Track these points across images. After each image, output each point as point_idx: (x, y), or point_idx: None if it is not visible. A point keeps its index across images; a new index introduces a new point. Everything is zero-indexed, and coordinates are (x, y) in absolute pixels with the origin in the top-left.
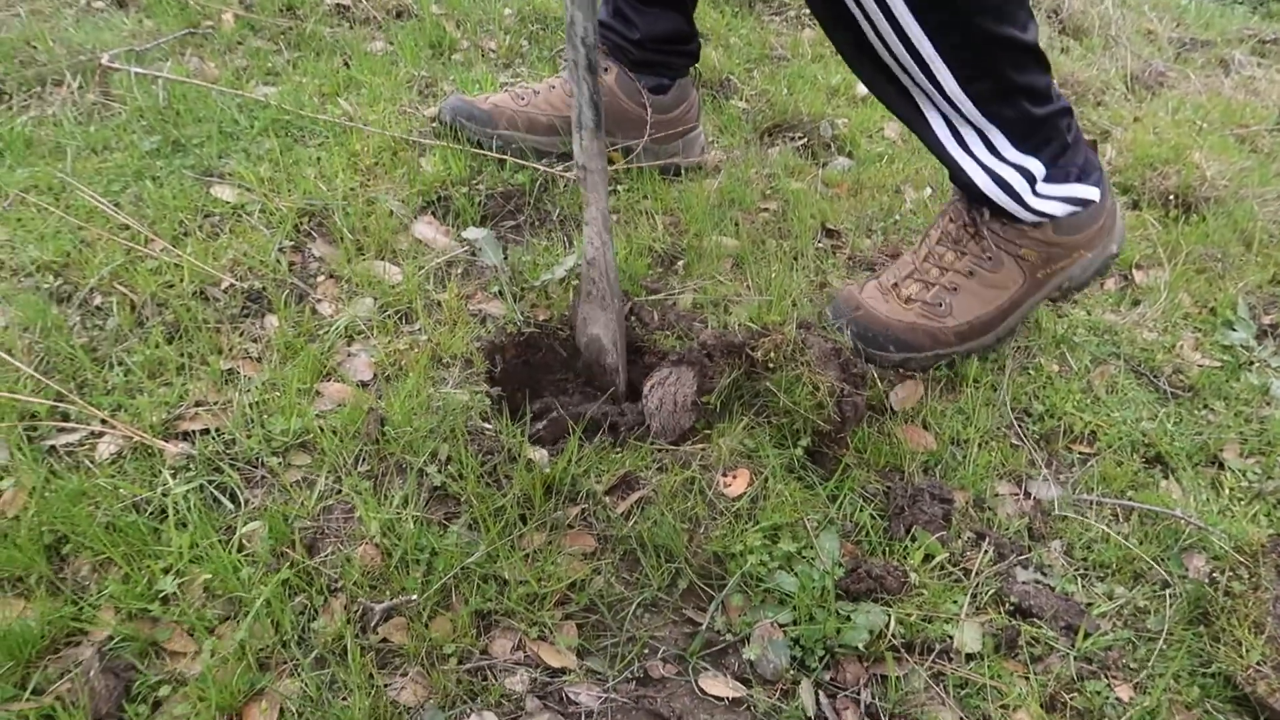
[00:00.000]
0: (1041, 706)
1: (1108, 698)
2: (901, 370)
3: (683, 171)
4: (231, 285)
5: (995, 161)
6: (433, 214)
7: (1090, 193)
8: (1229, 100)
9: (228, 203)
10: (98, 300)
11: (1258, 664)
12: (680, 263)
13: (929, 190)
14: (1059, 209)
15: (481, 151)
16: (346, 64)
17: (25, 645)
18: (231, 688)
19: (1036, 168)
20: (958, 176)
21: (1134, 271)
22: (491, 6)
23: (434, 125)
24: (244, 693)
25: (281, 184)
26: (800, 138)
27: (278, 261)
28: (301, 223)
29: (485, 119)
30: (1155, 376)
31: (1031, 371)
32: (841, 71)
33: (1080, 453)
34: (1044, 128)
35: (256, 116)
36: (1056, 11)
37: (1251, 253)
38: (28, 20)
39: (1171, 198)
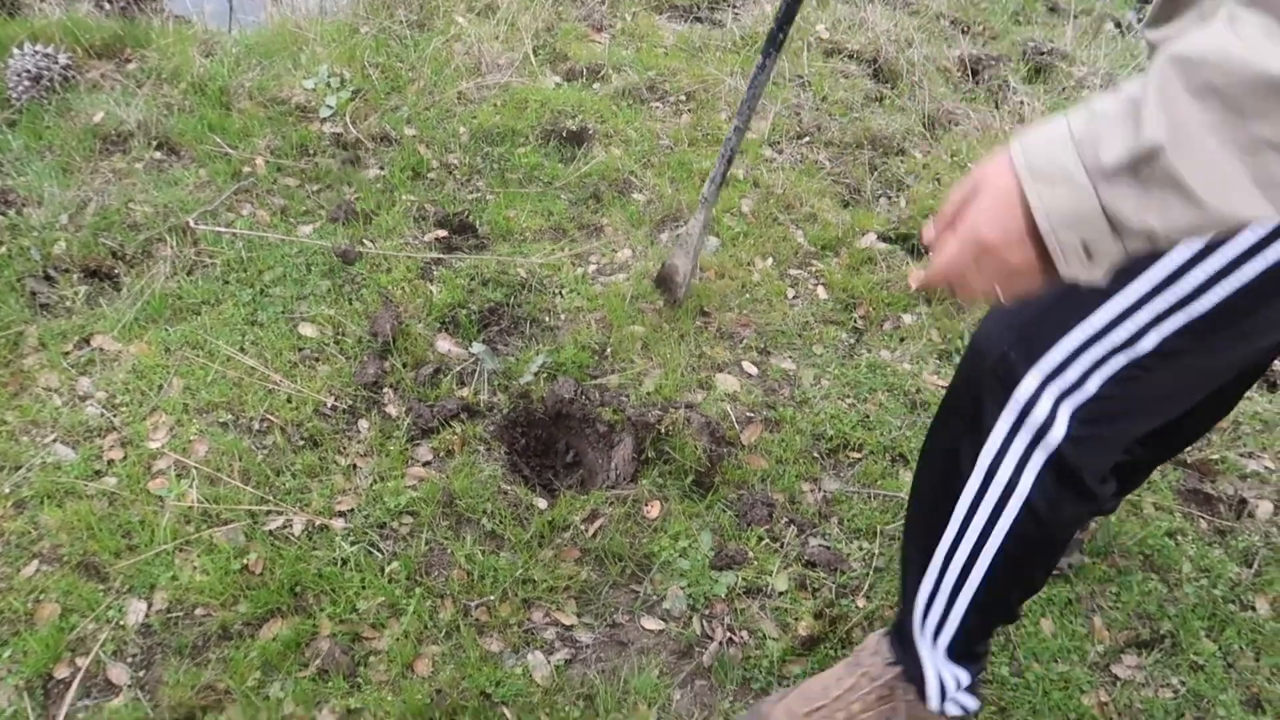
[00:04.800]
0: (813, 616)
1: (850, 606)
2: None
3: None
4: (334, 404)
5: (941, 659)
6: (446, 331)
7: (971, 704)
8: (995, 136)
9: (312, 338)
10: (257, 426)
11: None
12: (608, 350)
13: (770, 260)
14: (956, 711)
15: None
16: (353, 207)
17: (290, 644)
18: (405, 654)
19: (964, 677)
20: (909, 658)
21: (903, 315)
22: (449, 125)
23: None
24: (411, 654)
25: (343, 321)
26: (682, 225)
27: (356, 381)
28: (363, 347)
29: None
30: (907, 397)
31: (826, 410)
32: (710, 158)
33: (853, 458)
34: (985, 645)
35: (312, 262)
36: (874, 59)
37: None
38: (117, 184)
39: None
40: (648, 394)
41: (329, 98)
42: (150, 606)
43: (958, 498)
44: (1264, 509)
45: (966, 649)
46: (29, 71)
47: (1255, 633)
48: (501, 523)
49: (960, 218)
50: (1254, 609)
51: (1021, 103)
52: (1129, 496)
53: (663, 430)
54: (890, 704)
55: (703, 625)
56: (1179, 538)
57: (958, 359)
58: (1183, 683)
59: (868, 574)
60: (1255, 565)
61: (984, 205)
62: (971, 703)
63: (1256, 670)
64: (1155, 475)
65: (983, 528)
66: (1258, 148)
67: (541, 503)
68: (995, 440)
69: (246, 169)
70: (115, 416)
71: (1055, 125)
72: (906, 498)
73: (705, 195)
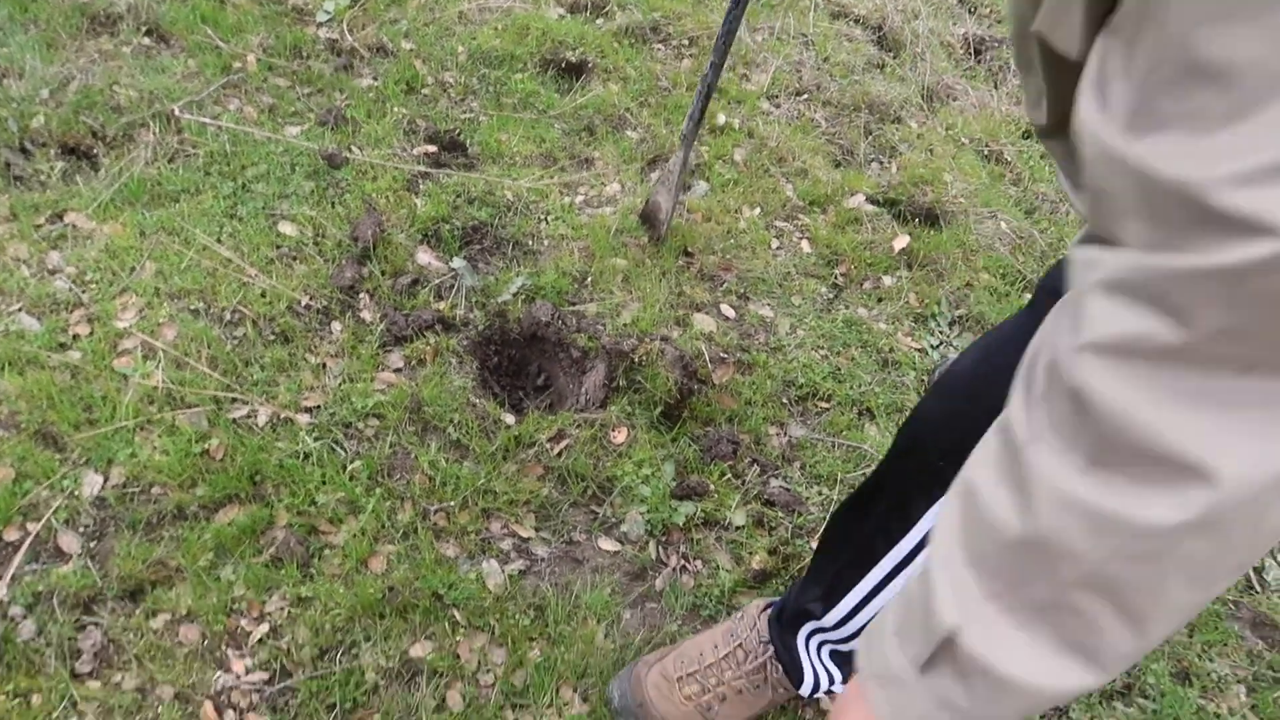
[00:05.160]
0: (767, 552)
1: (804, 546)
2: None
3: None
4: (308, 303)
5: (823, 661)
6: (428, 244)
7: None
8: (991, 114)
9: (291, 237)
10: (229, 317)
11: None
12: (589, 279)
13: (758, 209)
14: (825, 699)
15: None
16: (343, 114)
17: (245, 530)
18: (360, 551)
19: (839, 675)
20: (785, 646)
21: (884, 277)
22: (448, 44)
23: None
24: (366, 551)
25: (324, 223)
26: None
27: (332, 284)
28: (342, 251)
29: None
30: (879, 355)
31: (799, 359)
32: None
33: (821, 407)
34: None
35: (297, 163)
36: (879, 27)
37: (963, 260)
38: (102, 65)
39: (925, 213)
40: (624, 325)
41: (327, 3)
42: (106, 480)
43: (880, 560)
44: None
45: (850, 657)
46: None
47: None
48: (468, 433)
49: None
50: None
51: (1018, 85)
52: None
53: (636, 360)
54: (762, 676)
55: (658, 551)
56: None
57: (933, 324)
58: None
59: (824, 518)
60: None
61: None
62: (840, 690)
63: (1189, 646)
64: None
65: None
66: (1044, 611)
67: (509, 418)
68: (919, 531)
69: (237, 64)
70: (84, 293)
71: (883, 615)
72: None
73: (685, 133)
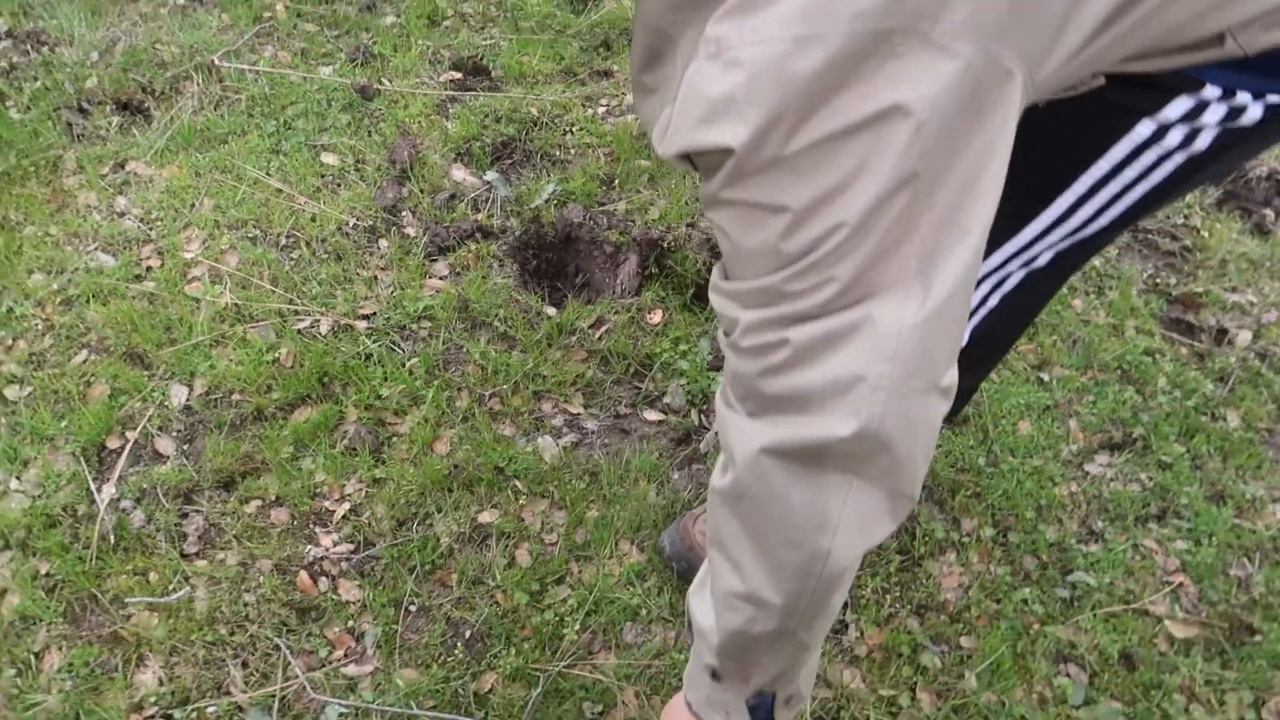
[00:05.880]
0: None
1: None
2: None
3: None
4: (355, 224)
5: None
6: (461, 161)
7: None
8: None
9: (334, 166)
10: (284, 241)
11: None
12: (616, 181)
13: None
14: None
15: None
16: (371, 50)
17: (319, 426)
18: (424, 436)
19: None
20: None
21: None
22: None
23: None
24: (430, 437)
25: (364, 150)
26: None
27: (376, 204)
28: (382, 174)
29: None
30: None
31: None
32: None
33: None
34: None
35: (332, 98)
36: None
37: None
38: (144, 26)
39: None
40: (653, 220)
41: None
42: (191, 391)
43: None
44: (1243, 337)
45: None
46: None
47: (1223, 440)
48: (513, 326)
49: None
50: (1225, 420)
51: None
52: (1112, 320)
53: (666, 247)
54: None
55: (700, 418)
56: (1157, 356)
57: None
58: (1150, 479)
59: None
60: (1230, 384)
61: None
62: None
63: (1222, 471)
64: (1138, 302)
65: None
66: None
67: (551, 310)
68: None
69: (267, 14)
70: (151, 230)
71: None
72: None
73: None
